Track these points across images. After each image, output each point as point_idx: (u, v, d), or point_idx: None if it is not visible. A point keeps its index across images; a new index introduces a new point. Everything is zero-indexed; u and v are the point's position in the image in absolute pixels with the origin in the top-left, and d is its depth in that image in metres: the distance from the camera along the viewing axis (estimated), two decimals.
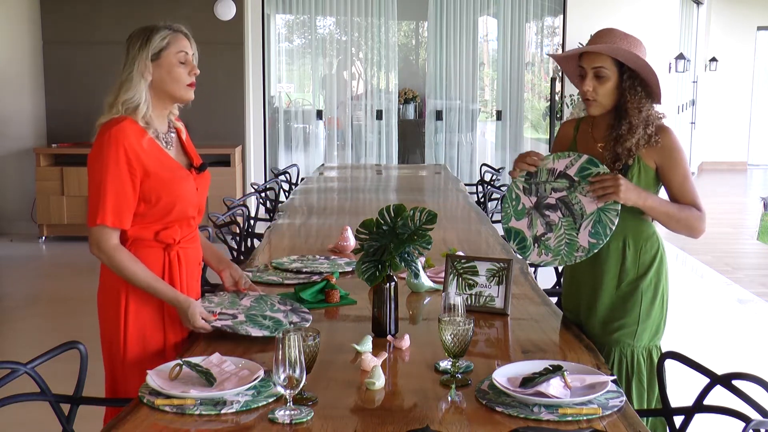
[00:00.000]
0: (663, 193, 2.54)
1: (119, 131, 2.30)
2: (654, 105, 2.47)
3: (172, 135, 2.51)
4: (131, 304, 2.39)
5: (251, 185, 6.34)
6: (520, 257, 2.62)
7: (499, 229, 4.62)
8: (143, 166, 2.33)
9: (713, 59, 14.20)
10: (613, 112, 2.49)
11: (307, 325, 2.44)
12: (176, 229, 2.44)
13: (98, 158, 2.32)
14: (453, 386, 2.00)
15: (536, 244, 2.50)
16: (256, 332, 2.36)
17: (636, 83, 2.43)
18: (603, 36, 2.47)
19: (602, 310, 2.52)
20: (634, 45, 2.43)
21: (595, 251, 2.43)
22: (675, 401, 2.29)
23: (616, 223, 2.40)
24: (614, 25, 2.72)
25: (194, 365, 2.03)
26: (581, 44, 8.62)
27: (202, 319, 2.37)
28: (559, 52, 9.32)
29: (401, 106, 10.28)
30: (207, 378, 1.98)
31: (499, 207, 5.96)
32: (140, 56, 2.36)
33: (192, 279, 2.53)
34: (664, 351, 2.33)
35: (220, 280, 3.01)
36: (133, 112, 2.36)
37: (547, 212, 2.49)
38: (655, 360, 2.50)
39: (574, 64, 2.52)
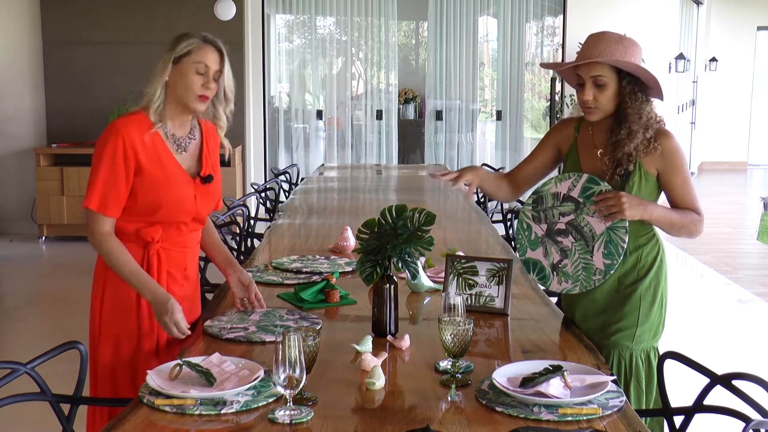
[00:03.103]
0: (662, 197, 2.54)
1: (123, 123, 2.37)
2: (654, 108, 2.45)
3: (192, 141, 2.52)
4: (106, 303, 2.44)
5: (251, 185, 6.34)
6: (542, 287, 2.62)
7: (500, 229, 4.64)
8: (137, 159, 2.37)
9: (713, 59, 14.20)
10: (613, 116, 2.47)
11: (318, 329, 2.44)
12: (157, 229, 2.45)
13: (99, 145, 2.38)
14: (453, 386, 2.00)
15: (555, 273, 2.50)
16: (270, 338, 2.37)
17: (636, 88, 2.42)
18: (597, 42, 2.43)
19: (601, 313, 2.52)
20: (629, 48, 2.41)
21: (612, 272, 2.42)
22: (675, 401, 2.29)
23: (626, 240, 2.40)
24: (614, 26, 2.72)
25: (194, 365, 2.03)
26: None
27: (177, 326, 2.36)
28: (560, 51, 9.33)
29: (401, 106, 10.28)
30: (207, 378, 1.98)
31: (498, 202, 5.97)
32: (166, 57, 2.41)
33: (175, 283, 2.51)
34: (664, 351, 2.33)
35: (220, 280, 3.01)
36: (148, 105, 2.41)
37: (559, 238, 2.48)
38: (653, 361, 2.50)
39: (572, 72, 2.50)
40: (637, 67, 2.39)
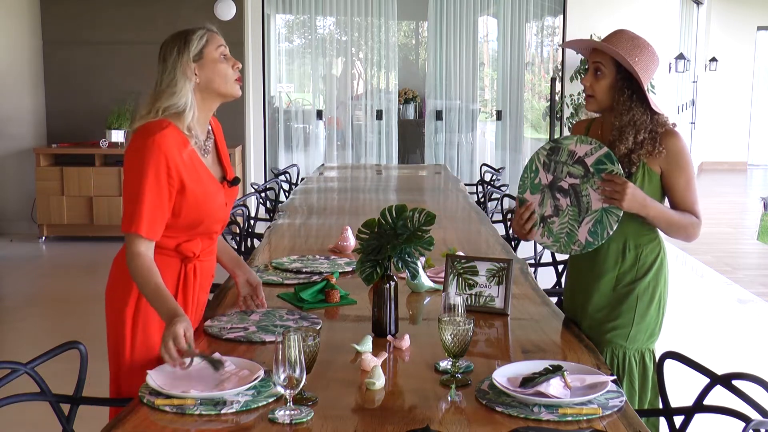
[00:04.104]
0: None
1: (163, 138, 2.22)
2: (648, 112, 2.46)
3: (210, 142, 2.44)
4: (142, 304, 2.34)
5: (251, 185, 6.34)
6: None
7: (500, 229, 4.63)
8: (181, 180, 2.26)
9: (713, 59, 14.20)
10: (613, 113, 2.51)
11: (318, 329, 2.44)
12: (197, 243, 2.40)
13: (138, 163, 2.23)
14: (453, 386, 2.00)
15: (542, 224, 2.52)
16: (270, 338, 2.36)
17: (625, 85, 2.45)
18: (613, 35, 2.50)
19: (598, 310, 2.54)
20: (638, 49, 2.44)
21: (590, 250, 2.45)
22: (675, 401, 2.29)
23: (615, 228, 2.41)
24: (614, 26, 2.74)
25: (203, 354, 2.07)
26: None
27: (178, 350, 2.06)
28: (560, 51, 9.33)
29: (401, 106, 10.28)
30: (214, 365, 2.01)
31: (497, 202, 5.97)
32: (181, 59, 2.29)
33: (203, 291, 2.51)
34: (664, 351, 2.34)
35: (220, 280, 3.01)
36: (177, 118, 2.29)
37: (558, 195, 2.50)
38: (648, 363, 2.52)
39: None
40: (628, 63, 2.41)
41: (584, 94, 2.54)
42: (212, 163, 2.44)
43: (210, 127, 2.47)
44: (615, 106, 2.47)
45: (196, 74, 2.31)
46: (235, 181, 2.49)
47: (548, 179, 2.53)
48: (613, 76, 2.46)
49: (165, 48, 2.34)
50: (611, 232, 2.41)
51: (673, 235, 2.49)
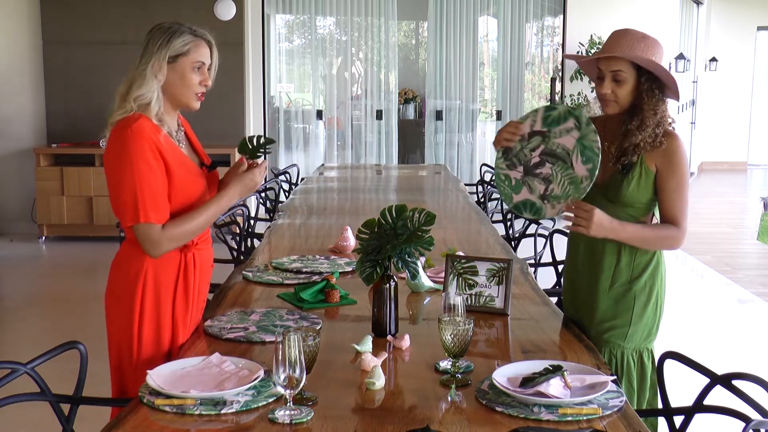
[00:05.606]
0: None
1: (139, 127, 2.27)
2: (668, 108, 2.48)
3: (181, 133, 2.50)
4: (147, 306, 2.35)
5: None
6: (541, 221, 2.65)
7: (500, 229, 4.63)
8: (166, 162, 2.31)
9: (713, 59, 14.20)
10: (627, 112, 2.50)
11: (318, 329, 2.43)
12: None
13: (122, 155, 2.26)
14: (453, 386, 2.00)
15: (545, 201, 2.52)
16: (270, 338, 2.37)
17: (653, 85, 2.45)
18: (620, 38, 2.47)
19: (595, 310, 2.54)
20: (651, 46, 2.44)
21: (597, 172, 2.42)
22: (675, 401, 2.29)
23: (597, 139, 2.42)
24: (614, 26, 2.73)
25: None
26: (581, 44, 8.61)
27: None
28: (560, 52, 9.33)
29: (401, 106, 10.28)
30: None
31: (497, 202, 5.96)
32: (157, 55, 2.34)
33: (204, 282, 2.52)
34: (664, 351, 2.34)
35: (220, 280, 3.01)
36: (146, 109, 2.34)
37: (537, 170, 2.52)
38: (646, 362, 2.52)
39: (593, 66, 2.55)
40: (657, 65, 2.42)
41: (605, 100, 2.49)
42: (188, 152, 2.49)
43: (179, 121, 2.52)
44: (645, 108, 2.44)
45: (164, 74, 2.36)
46: (213, 166, 2.54)
47: (521, 171, 2.55)
48: (635, 79, 2.44)
49: (151, 35, 2.40)
50: (599, 144, 2.42)
51: (651, 248, 2.50)
